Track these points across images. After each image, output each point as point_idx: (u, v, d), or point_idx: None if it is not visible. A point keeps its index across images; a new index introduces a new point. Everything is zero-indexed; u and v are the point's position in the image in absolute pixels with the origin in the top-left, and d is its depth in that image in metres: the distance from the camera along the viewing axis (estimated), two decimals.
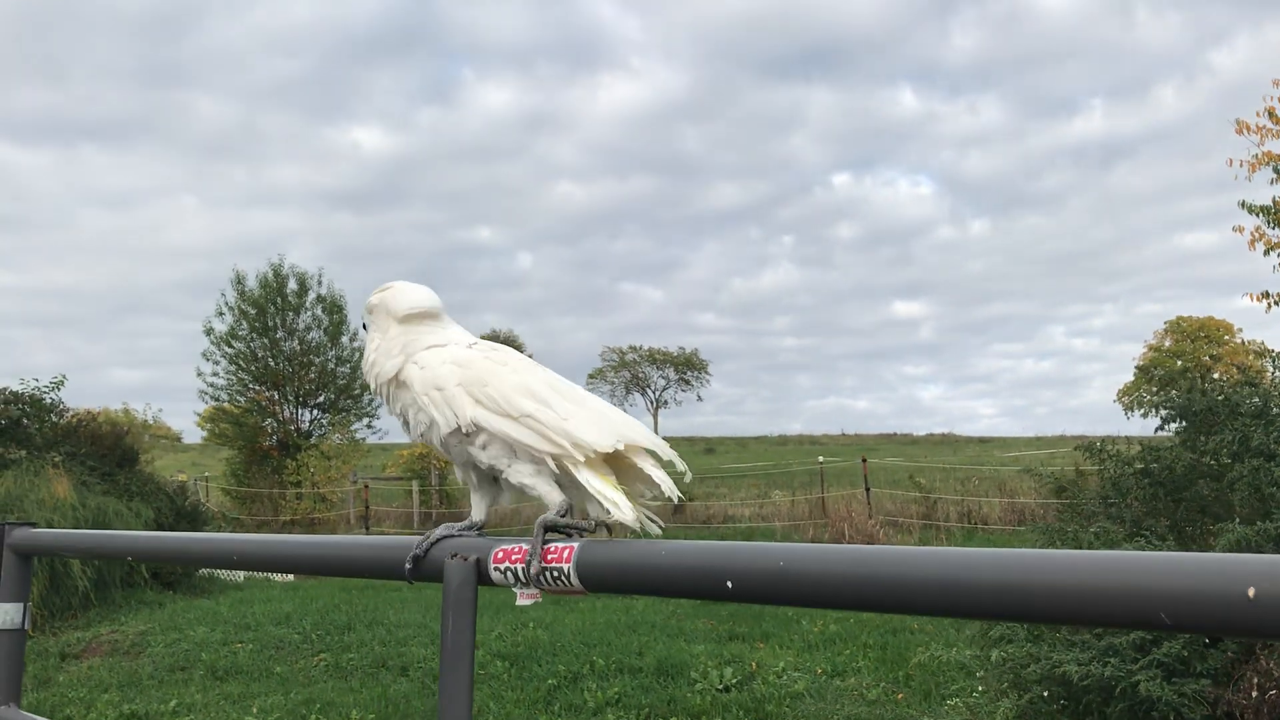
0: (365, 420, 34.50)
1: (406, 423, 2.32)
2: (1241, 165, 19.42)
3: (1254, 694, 5.63)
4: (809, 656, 11.50)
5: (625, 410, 2.18)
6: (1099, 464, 9.83)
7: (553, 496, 2.09)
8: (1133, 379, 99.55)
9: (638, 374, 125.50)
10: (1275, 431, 8.21)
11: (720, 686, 10.39)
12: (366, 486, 29.45)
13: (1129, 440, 10.57)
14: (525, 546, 1.96)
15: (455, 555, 2.10)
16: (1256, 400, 8.77)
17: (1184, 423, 9.08)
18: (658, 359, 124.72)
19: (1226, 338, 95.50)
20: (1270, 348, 17.50)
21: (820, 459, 25.06)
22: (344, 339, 34.54)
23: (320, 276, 34.73)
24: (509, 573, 2.01)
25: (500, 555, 2.04)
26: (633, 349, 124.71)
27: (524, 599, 1.96)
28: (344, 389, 34.16)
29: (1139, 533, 8.53)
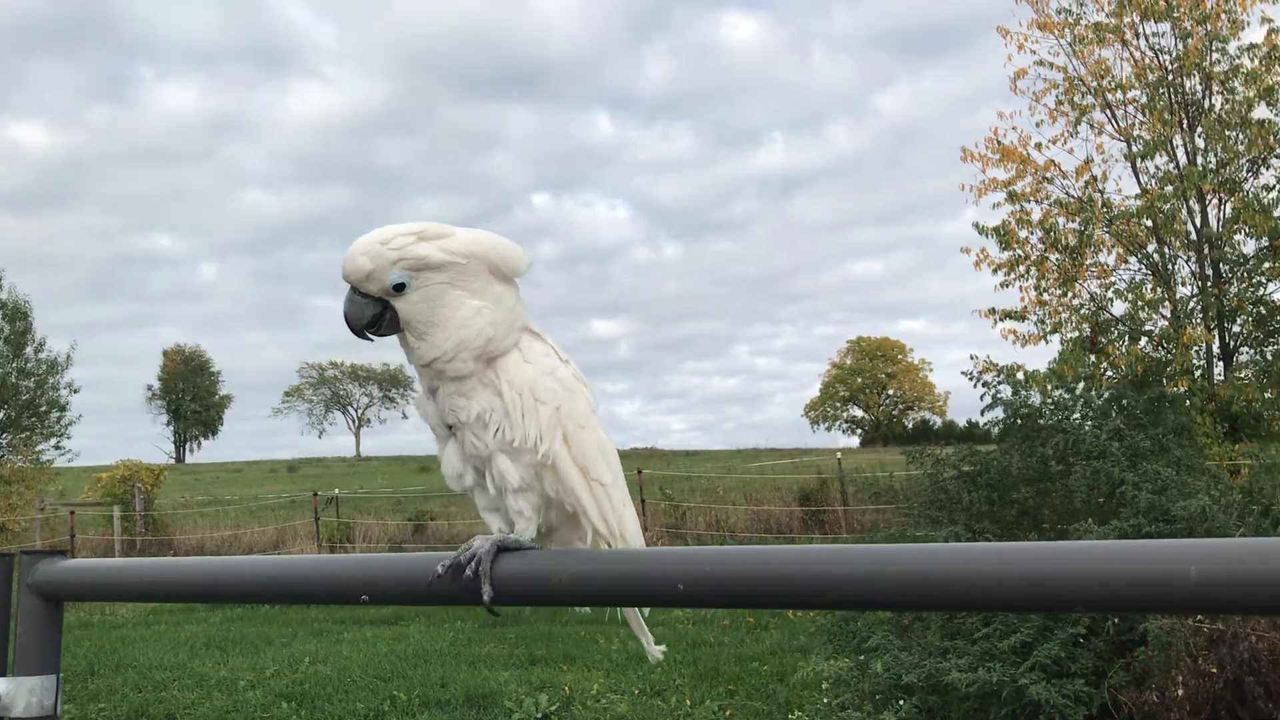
0: (53, 440, 30.94)
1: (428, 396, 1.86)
2: (970, 190, 20.76)
3: (1179, 691, 5.67)
4: (620, 677, 11.02)
5: (326, 429, 1.76)
6: (923, 469, 9.94)
7: (531, 531, 1.81)
8: (819, 394, 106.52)
9: (339, 391, 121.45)
10: (1102, 432, 8.53)
11: (539, 715, 9.72)
12: (73, 513, 26.35)
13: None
14: None
15: None
16: (1080, 405, 9.10)
17: (1014, 424, 9.30)
18: (360, 375, 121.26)
19: (900, 356, 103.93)
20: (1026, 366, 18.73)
21: None
22: (28, 350, 30.86)
23: (0, 280, 30.91)
24: None
25: None
26: (333, 365, 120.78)
27: None
28: (28, 405, 30.48)
29: (978, 536, 8.65)
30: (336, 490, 26.84)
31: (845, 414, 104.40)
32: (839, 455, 23.64)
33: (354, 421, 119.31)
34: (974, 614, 7.36)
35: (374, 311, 1.77)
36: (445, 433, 1.84)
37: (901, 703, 7.66)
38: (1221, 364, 19.27)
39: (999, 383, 10.31)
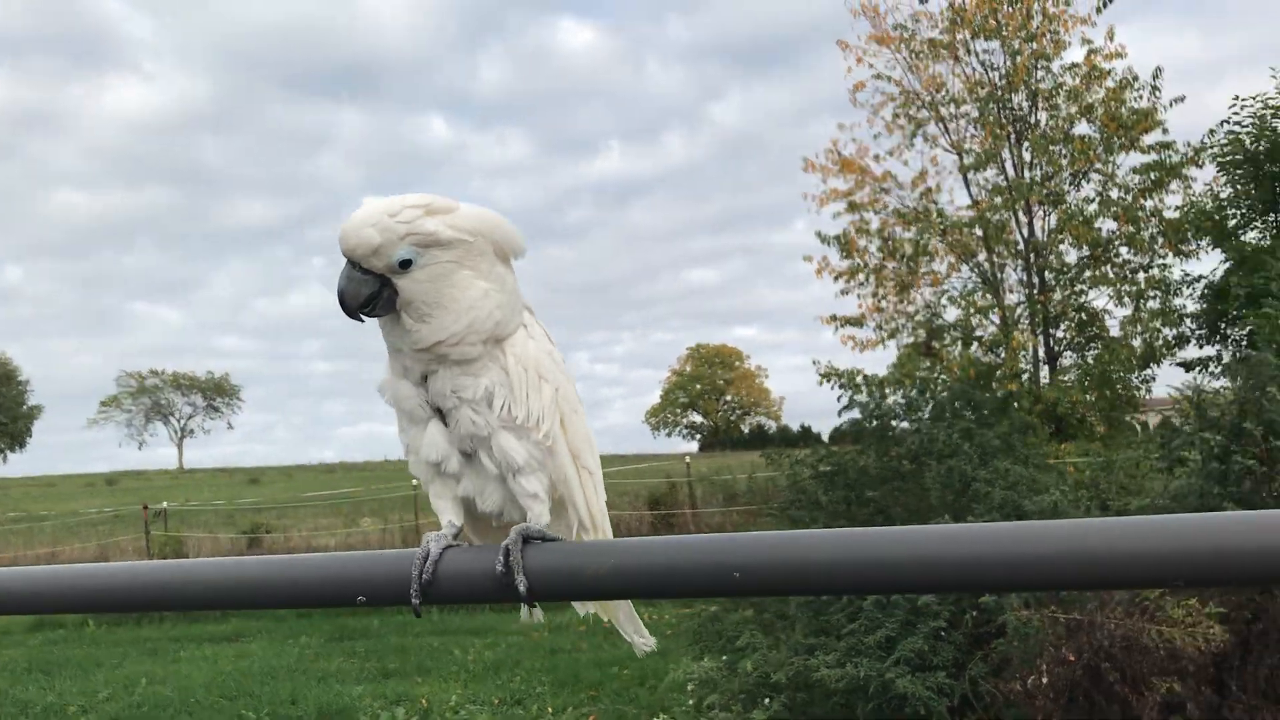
0: None
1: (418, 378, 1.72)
2: (811, 199, 21.27)
3: (1044, 679, 5.86)
4: (479, 687, 10.81)
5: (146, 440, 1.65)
6: (781, 470, 10.07)
7: (546, 515, 1.71)
8: (659, 401, 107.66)
9: (160, 400, 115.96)
10: (954, 431, 8.80)
11: None
12: None
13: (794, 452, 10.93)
14: None
15: None
16: (931, 404, 9.36)
17: (870, 425, 9.51)
18: (183, 384, 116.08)
19: (737, 363, 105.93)
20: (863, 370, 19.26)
21: (415, 483, 24.16)
22: None
23: None
24: None
25: None
26: (154, 373, 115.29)
27: None
28: None
29: None
30: (165, 503, 25.60)
31: (685, 420, 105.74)
32: (688, 459, 23.83)
33: (176, 432, 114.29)
34: (842, 610, 7.48)
35: (372, 290, 1.63)
36: (426, 415, 1.71)
37: (768, 701, 7.72)
38: (1047, 368, 20.25)
39: (849, 387, 10.57)
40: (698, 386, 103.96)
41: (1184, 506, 7.11)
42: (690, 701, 8.67)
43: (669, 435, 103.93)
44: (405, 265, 1.61)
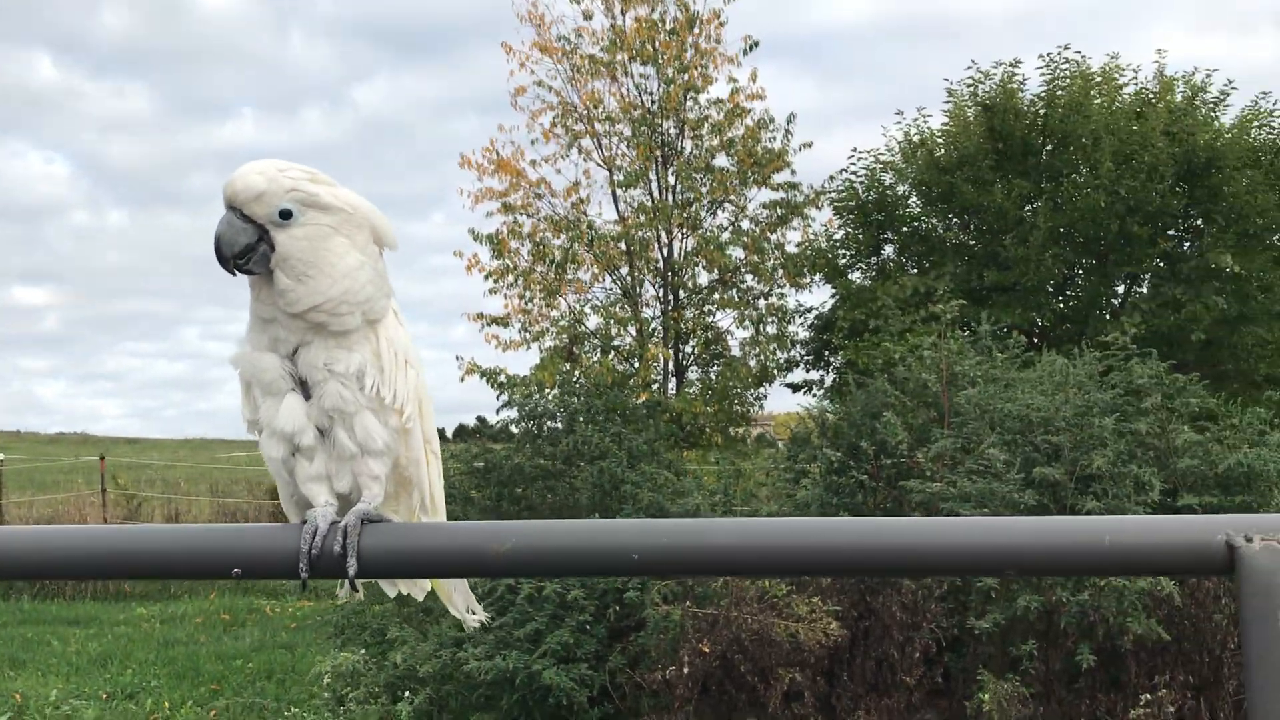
0: None
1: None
2: (468, 196, 21.34)
3: (685, 670, 6.29)
4: (82, 681, 10.01)
5: None
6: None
7: (381, 497, 1.74)
8: None
9: None
10: (608, 436, 9.22)
11: None
12: None
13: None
14: None
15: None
16: (583, 404, 9.74)
17: (528, 425, 9.75)
18: None
19: None
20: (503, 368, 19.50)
21: (1, 456, 21.76)
22: None
23: None
24: None
25: None
26: None
27: None
28: None
29: None
30: None
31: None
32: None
33: None
34: (493, 603, 7.63)
35: (249, 240, 1.64)
36: (286, 386, 1.68)
37: (406, 694, 7.72)
38: (675, 380, 21.50)
39: (504, 387, 10.83)
40: None
41: (807, 514, 7.88)
42: (327, 695, 8.49)
43: None
44: (285, 217, 1.63)
